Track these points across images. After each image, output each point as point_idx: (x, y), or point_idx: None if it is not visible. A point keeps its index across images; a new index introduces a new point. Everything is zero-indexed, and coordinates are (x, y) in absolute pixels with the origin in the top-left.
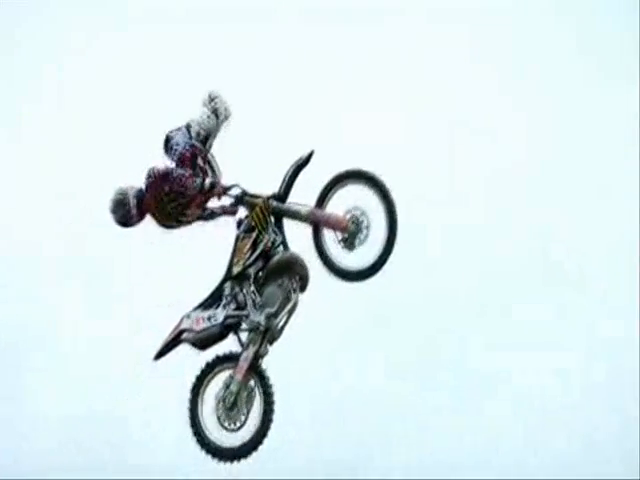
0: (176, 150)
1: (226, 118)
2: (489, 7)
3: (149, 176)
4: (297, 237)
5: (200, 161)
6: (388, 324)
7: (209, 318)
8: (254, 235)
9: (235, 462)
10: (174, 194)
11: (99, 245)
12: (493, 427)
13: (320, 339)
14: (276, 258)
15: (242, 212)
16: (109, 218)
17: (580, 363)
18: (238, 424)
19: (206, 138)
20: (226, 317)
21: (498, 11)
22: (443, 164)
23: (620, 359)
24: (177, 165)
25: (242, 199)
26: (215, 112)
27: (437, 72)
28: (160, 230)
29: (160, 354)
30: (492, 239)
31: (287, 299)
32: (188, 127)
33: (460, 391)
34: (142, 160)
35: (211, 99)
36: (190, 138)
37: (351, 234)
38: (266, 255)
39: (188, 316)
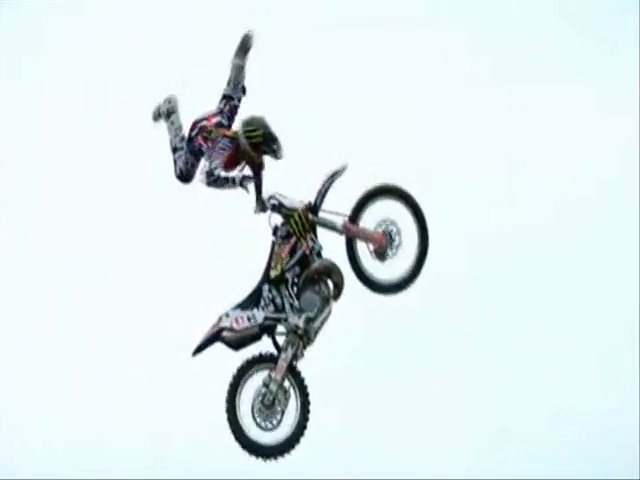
0: None
1: (174, 105)
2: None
3: None
4: (327, 247)
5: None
6: (417, 338)
7: (249, 319)
8: (292, 241)
9: (272, 460)
10: None
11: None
12: (500, 421)
13: (348, 348)
14: (315, 265)
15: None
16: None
17: (581, 366)
18: (274, 424)
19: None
20: (265, 318)
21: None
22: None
23: (620, 359)
24: None
25: (279, 209)
26: (167, 114)
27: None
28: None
29: (198, 350)
30: (515, 252)
31: (324, 306)
32: None
33: (498, 395)
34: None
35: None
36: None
37: (384, 247)
38: (304, 261)
39: (227, 315)
